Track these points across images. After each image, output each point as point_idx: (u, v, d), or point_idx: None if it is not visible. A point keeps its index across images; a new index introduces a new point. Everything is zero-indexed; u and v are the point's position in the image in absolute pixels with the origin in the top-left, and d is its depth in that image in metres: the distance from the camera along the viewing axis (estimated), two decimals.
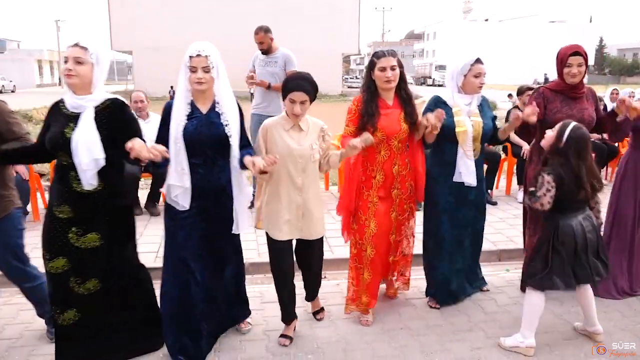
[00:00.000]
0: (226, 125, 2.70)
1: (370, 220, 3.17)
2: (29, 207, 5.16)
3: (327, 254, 4.09)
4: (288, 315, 3.10)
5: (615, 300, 3.51)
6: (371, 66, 3.06)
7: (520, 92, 6.36)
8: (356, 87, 42.29)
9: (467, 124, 3.20)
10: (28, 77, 47.81)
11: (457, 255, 3.45)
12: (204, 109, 2.70)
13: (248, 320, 3.19)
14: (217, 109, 2.71)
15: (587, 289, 2.94)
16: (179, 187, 2.66)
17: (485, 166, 5.94)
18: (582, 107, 3.35)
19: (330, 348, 2.98)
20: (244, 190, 2.87)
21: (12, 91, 36.23)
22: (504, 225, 5.10)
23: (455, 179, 3.28)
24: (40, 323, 3.12)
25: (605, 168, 7.32)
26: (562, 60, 3.31)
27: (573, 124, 2.75)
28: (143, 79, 27.62)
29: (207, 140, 2.66)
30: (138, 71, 30.20)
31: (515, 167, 6.48)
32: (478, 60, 3.20)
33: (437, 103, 3.26)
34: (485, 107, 3.38)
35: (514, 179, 6.58)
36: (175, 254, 2.75)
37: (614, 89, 9.15)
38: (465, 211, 3.39)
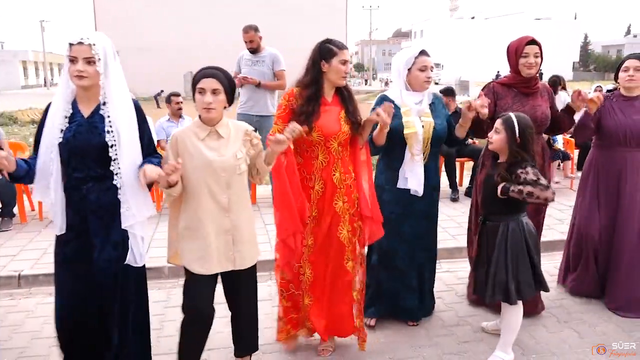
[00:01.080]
0: (108, 132, 2.19)
1: (308, 237, 2.70)
2: (15, 210, 5.12)
3: None
4: None
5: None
6: (327, 56, 2.63)
7: None
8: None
9: (417, 124, 2.88)
10: (13, 79, 47.23)
11: (411, 272, 3.08)
12: (86, 111, 2.23)
13: None
14: (101, 112, 2.22)
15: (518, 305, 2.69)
16: (51, 205, 2.22)
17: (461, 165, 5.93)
18: (535, 104, 3.10)
19: (317, 343, 2.97)
20: (141, 211, 2.31)
21: None
22: None
23: (400, 185, 2.94)
24: (49, 331, 2.94)
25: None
26: (517, 50, 3.06)
27: (513, 114, 2.58)
28: (130, 79, 27.27)
29: (87, 150, 2.18)
30: (124, 71, 29.95)
31: None
32: (423, 52, 2.90)
33: (382, 102, 2.90)
34: (438, 106, 3.07)
35: None
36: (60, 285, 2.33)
37: (597, 86, 9.26)
38: (413, 223, 3.01)
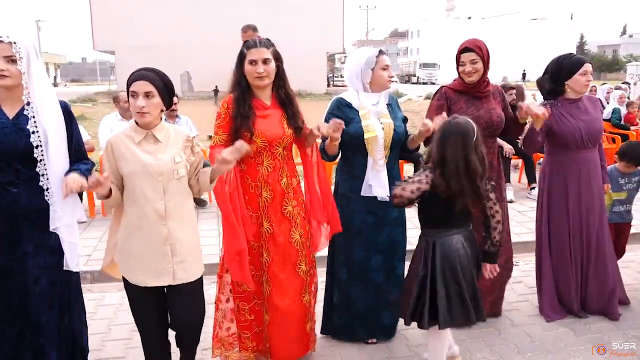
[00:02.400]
0: (33, 133, 2.12)
1: (262, 249, 2.58)
2: None
3: None
4: None
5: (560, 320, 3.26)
6: (241, 58, 2.52)
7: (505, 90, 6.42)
8: (341, 86, 42.33)
9: (377, 127, 2.74)
10: None
11: (389, 285, 2.88)
12: (10, 112, 2.15)
13: None
14: (25, 112, 2.15)
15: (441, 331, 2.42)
16: None
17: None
18: (489, 107, 3.01)
19: (316, 344, 2.96)
20: (71, 214, 2.23)
21: None
22: None
23: (364, 193, 2.77)
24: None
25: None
26: (456, 59, 3.01)
27: (451, 118, 2.37)
28: (126, 79, 27.25)
29: (13, 152, 2.10)
30: (121, 71, 29.81)
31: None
32: (382, 52, 2.83)
33: (339, 106, 2.80)
34: (394, 106, 2.92)
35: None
36: None
37: (592, 86, 9.31)
38: (389, 231, 2.85)
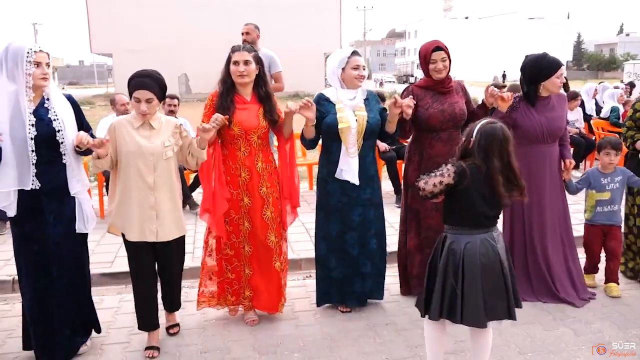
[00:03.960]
0: (54, 121, 2.63)
1: (243, 218, 3.11)
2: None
3: (299, 254, 4.12)
4: (145, 323, 2.95)
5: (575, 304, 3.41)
6: (228, 60, 3.03)
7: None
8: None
9: (351, 119, 3.11)
10: None
11: (363, 258, 3.29)
12: (32, 107, 2.61)
13: (87, 344, 2.95)
14: (45, 105, 2.64)
15: (482, 331, 2.43)
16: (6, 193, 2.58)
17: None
18: (452, 101, 3.33)
19: (316, 346, 2.99)
20: (82, 182, 2.79)
21: None
22: None
23: (337, 176, 3.18)
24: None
25: (583, 163, 7.44)
26: (425, 58, 3.27)
27: (483, 121, 2.39)
28: (123, 81, 27.19)
29: (37, 137, 2.57)
30: (118, 74, 29.80)
31: None
32: (355, 53, 3.17)
33: (319, 100, 3.21)
34: (372, 101, 3.29)
35: None
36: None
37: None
38: (361, 211, 3.24)
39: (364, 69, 3.16)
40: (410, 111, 3.07)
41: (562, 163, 3.60)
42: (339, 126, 3.08)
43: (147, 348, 2.92)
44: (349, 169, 3.15)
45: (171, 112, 5.80)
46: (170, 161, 2.84)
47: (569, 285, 3.52)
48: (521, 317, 3.25)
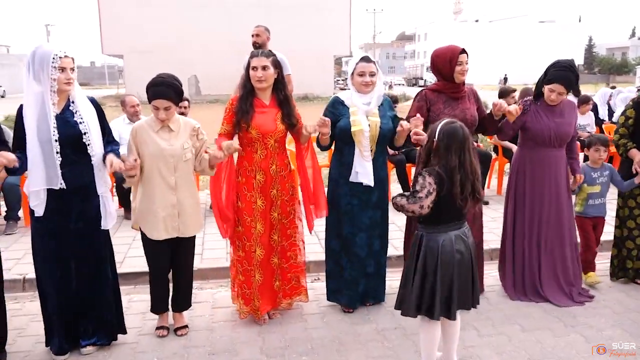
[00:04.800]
0: (81, 123, 2.71)
1: (256, 221, 3.15)
2: (20, 213, 5.14)
3: (307, 257, 4.12)
4: (159, 307, 3.17)
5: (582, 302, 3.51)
6: (247, 66, 3.10)
7: (503, 94, 6.35)
8: (348, 89, 42.24)
9: (364, 123, 3.15)
10: (18, 82, 47.45)
11: (369, 259, 3.37)
12: (58, 110, 2.70)
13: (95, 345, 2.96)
14: (71, 108, 2.72)
15: (452, 322, 2.57)
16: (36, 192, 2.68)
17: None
18: (464, 107, 3.36)
19: (324, 349, 2.99)
20: (107, 186, 2.89)
21: (2, 96, 35.96)
22: (496, 225, 5.14)
23: (352, 179, 3.22)
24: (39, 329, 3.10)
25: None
26: (451, 60, 3.29)
27: (445, 120, 2.50)
28: (134, 82, 27.45)
29: (67, 140, 2.66)
30: (129, 75, 30.04)
31: (506, 167, 6.53)
32: (364, 59, 3.20)
33: (334, 104, 3.27)
34: (386, 107, 3.32)
35: (505, 179, 6.62)
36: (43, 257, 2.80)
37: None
38: (371, 214, 3.31)
39: (372, 75, 3.17)
40: (420, 127, 3.05)
41: (572, 176, 3.67)
42: (352, 129, 3.13)
43: (158, 328, 3.15)
44: (364, 172, 3.20)
45: (181, 114, 5.80)
46: (189, 162, 2.99)
47: (556, 287, 3.57)
48: (531, 323, 3.25)
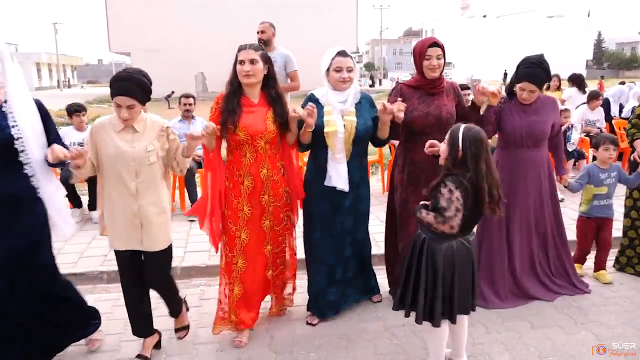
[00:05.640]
0: (13, 127, 2.40)
1: (241, 230, 2.93)
2: None
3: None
4: (138, 330, 2.87)
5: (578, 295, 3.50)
6: (235, 60, 2.84)
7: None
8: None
9: (338, 123, 2.94)
10: (27, 81, 47.39)
11: (337, 266, 3.20)
12: None
13: (96, 336, 2.94)
14: (3, 110, 2.42)
15: (459, 319, 2.53)
16: None
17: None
18: (440, 104, 3.13)
19: (332, 346, 2.98)
20: (56, 193, 2.64)
21: None
22: None
23: (326, 183, 3.02)
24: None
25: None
26: (420, 53, 3.09)
27: (463, 126, 2.37)
28: None
29: None
30: None
31: None
32: (340, 53, 2.97)
33: (309, 100, 3.02)
34: (365, 105, 3.09)
35: None
36: None
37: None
38: (342, 219, 3.12)
39: (350, 71, 2.96)
40: (402, 115, 2.91)
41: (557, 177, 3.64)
42: (325, 130, 2.92)
43: (136, 356, 2.83)
44: (338, 175, 3.00)
45: (187, 111, 5.83)
46: (154, 167, 2.65)
47: (537, 283, 3.53)
48: (541, 321, 3.22)
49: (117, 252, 2.73)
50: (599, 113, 7.31)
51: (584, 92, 8.15)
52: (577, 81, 8.36)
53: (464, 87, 6.08)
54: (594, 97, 7.14)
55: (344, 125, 2.96)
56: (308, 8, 29.24)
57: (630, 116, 3.90)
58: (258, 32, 5.45)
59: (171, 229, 2.82)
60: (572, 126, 6.74)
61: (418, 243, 2.48)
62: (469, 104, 3.27)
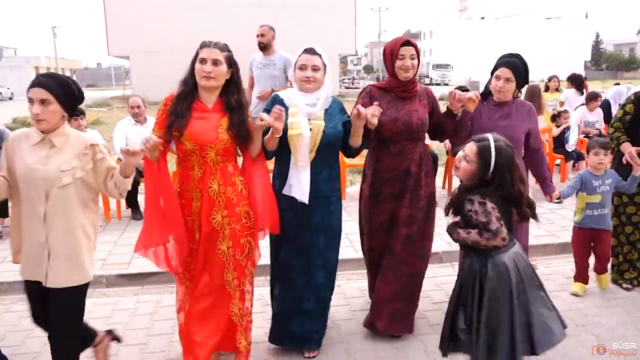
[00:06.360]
0: None
1: (196, 252, 2.56)
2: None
3: None
4: None
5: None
6: (194, 58, 2.51)
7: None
8: (353, 88, 42.27)
9: (303, 126, 2.63)
10: (26, 84, 47.28)
11: (308, 293, 2.81)
12: None
13: None
14: None
15: None
16: None
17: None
18: (411, 109, 2.89)
19: (332, 349, 2.97)
20: None
21: (10, 98, 36.15)
22: None
23: (285, 191, 2.71)
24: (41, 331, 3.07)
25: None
26: (392, 53, 2.85)
27: (491, 141, 2.20)
28: (140, 83, 27.58)
29: None
30: (135, 76, 30.16)
31: None
32: (307, 51, 2.74)
33: (273, 103, 2.74)
34: (335, 109, 2.80)
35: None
36: None
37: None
38: (311, 237, 2.77)
39: (315, 70, 2.68)
40: (375, 120, 2.64)
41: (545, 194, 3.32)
42: (289, 133, 2.62)
43: None
44: (298, 185, 2.68)
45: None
46: (68, 189, 2.23)
47: None
48: None
49: (24, 283, 2.37)
50: (598, 114, 7.31)
51: (582, 93, 8.17)
52: (576, 81, 8.37)
53: (464, 90, 6.07)
54: (592, 98, 7.15)
55: (310, 128, 2.67)
56: (306, 10, 29.25)
57: (613, 120, 3.77)
58: (258, 36, 5.46)
59: (90, 267, 2.35)
60: (570, 127, 6.75)
61: (476, 273, 2.20)
62: (445, 110, 3.04)
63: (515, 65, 2.99)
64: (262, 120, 2.45)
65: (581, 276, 3.66)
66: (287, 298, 2.83)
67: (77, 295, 2.34)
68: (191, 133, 2.44)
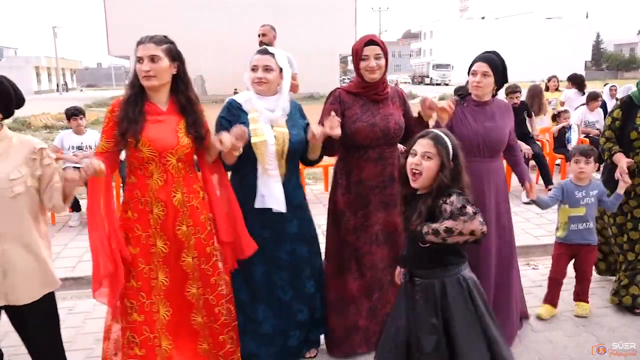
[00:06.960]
0: None
1: (157, 270, 2.34)
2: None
3: None
4: None
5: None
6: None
7: (507, 93, 6.20)
8: None
9: (267, 132, 2.47)
10: (26, 84, 47.58)
11: (300, 304, 2.69)
12: None
13: None
14: None
15: None
16: None
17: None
18: (387, 113, 2.71)
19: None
20: None
21: None
22: None
23: (257, 204, 2.51)
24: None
25: None
26: (356, 53, 2.65)
27: (434, 130, 2.15)
28: None
29: None
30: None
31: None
32: (260, 51, 2.58)
33: (230, 109, 2.55)
34: (295, 115, 2.65)
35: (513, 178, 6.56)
36: None
37: (612, 85, 9.10)
38: (289, 248, 2.62)
39: (267, 70, 2.49)
40: (338, 131, 2.48)
41: (522, 185, 3.09)
42: (252, 140, 2.42)
43: None
44: (270, 194, 2.50)
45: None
46: (19, 200, 2.04)
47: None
48: (541, 323, 3.22)
49: None
50: (598, 114, 7.31)
51: (583, 93, 8.16)
52: (576, 81, 8.37)
53: (464, 91, 6.03)
54: (593, 98, 7.15)
55: (275, 136, 2.50)
56: (307, 10, 29.26)
57: (603, 129, 3.50)
58: (259, 35, 5.49)
59: (53, 278, 2.20)
60: (570, 127, 6.75)
61: (465, 286, 2.03)
62: (417, 115, 2.84)
63: (492, 60, 2.81)
64: (221, 142, 2.25)
65: (551, 297, 3.32)
66: (277, 315, 2.67)
67: (44, 308, 2.20)
68: (149, 138, 2.23)
